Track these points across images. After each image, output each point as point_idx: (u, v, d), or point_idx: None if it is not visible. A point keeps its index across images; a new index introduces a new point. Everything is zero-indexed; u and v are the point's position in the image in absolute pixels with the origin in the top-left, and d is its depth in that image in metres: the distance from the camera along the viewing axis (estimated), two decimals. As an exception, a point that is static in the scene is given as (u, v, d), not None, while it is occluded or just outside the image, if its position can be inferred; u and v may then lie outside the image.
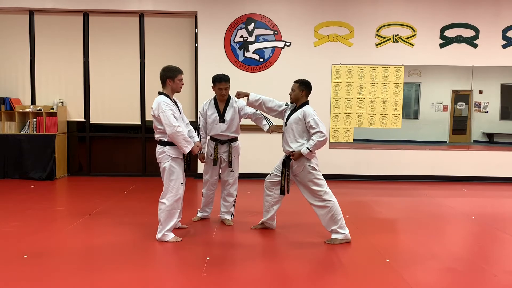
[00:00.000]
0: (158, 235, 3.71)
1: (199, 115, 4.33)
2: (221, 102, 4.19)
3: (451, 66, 6.88)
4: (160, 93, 3.70)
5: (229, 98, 4.21)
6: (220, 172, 4.34)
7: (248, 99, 4.01)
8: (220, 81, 4.07)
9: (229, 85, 4.15)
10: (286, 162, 3.76)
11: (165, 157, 3.66)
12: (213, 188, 4.37)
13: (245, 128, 6.76)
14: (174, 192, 3.67)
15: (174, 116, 3.58)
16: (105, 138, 7.28)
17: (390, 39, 6.84)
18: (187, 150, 3.63)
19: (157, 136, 3.70)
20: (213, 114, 4.17)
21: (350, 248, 3.63)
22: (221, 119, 4.15)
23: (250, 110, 4.21)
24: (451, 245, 3.80)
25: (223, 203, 4.37)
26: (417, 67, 6.89)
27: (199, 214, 4.49)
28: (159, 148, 3.70)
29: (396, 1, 6.82)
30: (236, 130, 4.24)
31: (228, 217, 4.36)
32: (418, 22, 6.82)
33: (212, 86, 4.16)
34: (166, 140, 3.65)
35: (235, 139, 4.27)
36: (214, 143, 4.20)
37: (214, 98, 4.23)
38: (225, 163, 4.24)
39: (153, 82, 6.96)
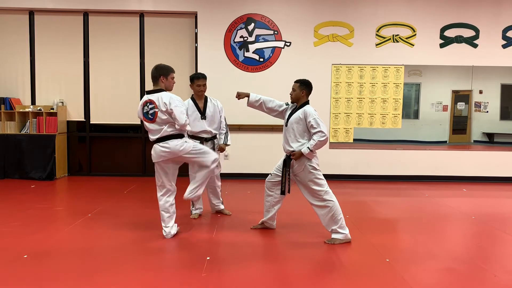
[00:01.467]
0: (191, 194, 3.77)
1: None
2: (200, 100, 4.38)
3: (451, 66, 6.88)
4: (159, 90, 3.65)
5: (206, 97, 4.42)
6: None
7: (248, 99, 4.01)
8: (199, 78, 4.34)
9: (206, 83, 4.38)
10: (287, 162, 3.76)
11: (187, 144, 3.70)
12: None
13: (245, 128, 6.80)
14: (214, 156, 3.81)
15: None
16: (105, 138, 7.28)
17: (390, 39, 6.84)
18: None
19: (171, 130, 3.64)
20: (194, 112, 4.33)
21: (350, 248, 3.63)
22: (203, 116, 4.32)
23: (223, 121, 4.48)
24: (451, 245, 3.80)
25: (213, 196, 4.59)
26: (417, 67, 6.89)
27: (197, 211, 4.55)
28: (178, 141, 3.66)
29: (396, 1, 6.82)
30: (218, 126, 4.44)
31: (222, 206, 4.64)
32: (418, 22, 6.82)
33: (190, 85, 4.40)
34: (182, 133, 3.71)
35: (216, 135, 4.46)
36: (199, 141, 4.25)
37: (192, 98, 4.40)
38: None
39: (153, 82, 6.95)
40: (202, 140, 4.29)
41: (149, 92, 3.69)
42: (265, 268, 3.21)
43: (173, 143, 3.64)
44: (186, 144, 3.69)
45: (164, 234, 3.81)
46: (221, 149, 4.45)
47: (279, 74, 6.76)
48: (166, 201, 3.81)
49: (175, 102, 3.59)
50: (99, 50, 6.97)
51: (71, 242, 3.69)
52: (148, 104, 3.62)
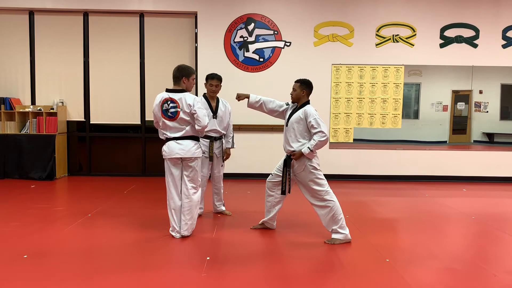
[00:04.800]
0: (190, 231, 3.82)
1: None
2: (212, 100, 4.47)
3: (451, 66, 6.88)
4: (181, 91, 3.72)
5: (218, 98, 4.51)
6: (210, 168, 4.56)
7: (248, 100, 4.02)
8: (213, 78, 4.43)
9: (220, 85, 4.45)
10: (287, 162, 3.76)
11: (200, 150, 3.84)
12: (206, 183, 4.56)
13: (246, 128, 6.79)
14: (200, 184, 3.98)
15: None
16: (105, 138, 7.28)
17: (390, 39, 6.84)
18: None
19: (193, 130, 3.74)
20: (206, 111, 4.36)
21: (350, 248, 3.64)
22: (214, 115, 4.41)
23: (230, 124, 4.59)
24: (451, 245, 3.80)
25: (217, 196, 4.66)
26: (417, 67, 6.89)
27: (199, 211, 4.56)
28: (195, 143, 3.76)
29: (396, 1, 6.82)
30: (226, 126, 4.56)
31: (223, 207, 4.67)
32: (418, 22, 6.82)
33: (204, 83, 4.48)
34: (199, 136, 3.84)
35: (224, 135, 4.57)
36: (208, 140, 4.40)
37: (204, 96, 4.49)
38: (218, 158, 4.51)
39: (153, 82, 6.96)
40: (212, 139, 4.40)
41: (170, 91, 3.73)
42: (265, 268, 3.21)
43: (190, 144, 3.73)
44: (200, 150, 3.82)
45: (173, 234, 3.82)
46: (227, 155, 4.56)
47: (279, 74, 6.76)
48: (175, 201, 3.82)
49: (198, 104, 3.71)
50: (99, 50, 6.97)
51: (71, 242, 3.69)
52: (168, 102, 3.68)
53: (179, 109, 3.65)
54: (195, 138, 3.78)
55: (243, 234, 3.98)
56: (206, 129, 4.22)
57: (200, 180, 3.93)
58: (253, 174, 6.87)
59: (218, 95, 4.53)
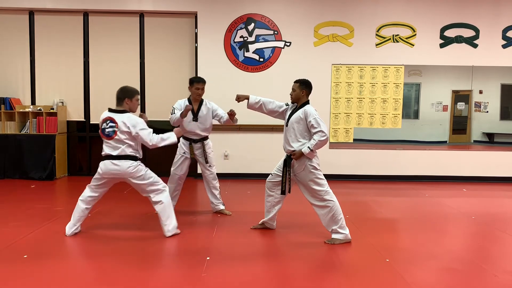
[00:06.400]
0: (172, 231, 3.81)
1: (174, 109, 4.41)
2: (195, 103, 4.47)
3: (451, 66, 6.88)
4: (123, 111, 3.71)
5: (202, 100, 4.49)
6: (201, 169, 4.62)
7: (248, 101, 4.02)
8: (199, 81, 4.43)
9: (204, 87, 4.45)
10: (287, 162, 3.77)
11: (140, 167, 3.73)
12: (181, 182, 4.59)
13: (245, 128, 6.79)
14: (162, 185, 3.83)
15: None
16: (105, 138, 7.28)
17: (390, 39, 6.84)
18: (175, 139, 3.82)
19: (130, 150, 3.67)
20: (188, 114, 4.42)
21: (350, 248, 3.64)
22: (195, 118, 4.42)
23: (222, 113, 4.49)
24: (451, 245, 3.80)
25: (212, 196, 4.67)
26: (417, 67, 6.89)
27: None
28: (131, 163, 3.67)
29: (396, 1, 6.82)
30: (208, 129, 4.55)
31: (222, 206, 4.69)
32: (418, 22, 6.82)
33: (189, 87, 4.47)
34: (138, 156, 3.75)
35: (207, 137, 4.57)
36: (188, 142, 4.46)
37: (188, 99, 4.50)
38: (201, 158, 4.52)
39: (153, 82, 6.95)
40: (191, 141, 4.46)
41: (112, 111, 3.73)
42: (265, 268, 3.21)
43: (126, 164, 3.67)
44: (139, 167, 3.71)
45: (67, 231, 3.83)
46: (232, 114, 4.41)
47: (279, 74, 6.75)
48: (86, 206, 3.88)
49: (140, 125, 3.66)
50: (99, 50, 6.97)
51: (71, 242, 3.69)
52: (108, 121, 3.66)
53: (116, 129, 3.62)
54: (132, 157, 3.69)
55: (243, 234, 3.98)
56: (187, 129, 4.28)
57: (158, 183, 3.82)
58: (253, 174, 6.87)
59: (209, 94, 4.56)
